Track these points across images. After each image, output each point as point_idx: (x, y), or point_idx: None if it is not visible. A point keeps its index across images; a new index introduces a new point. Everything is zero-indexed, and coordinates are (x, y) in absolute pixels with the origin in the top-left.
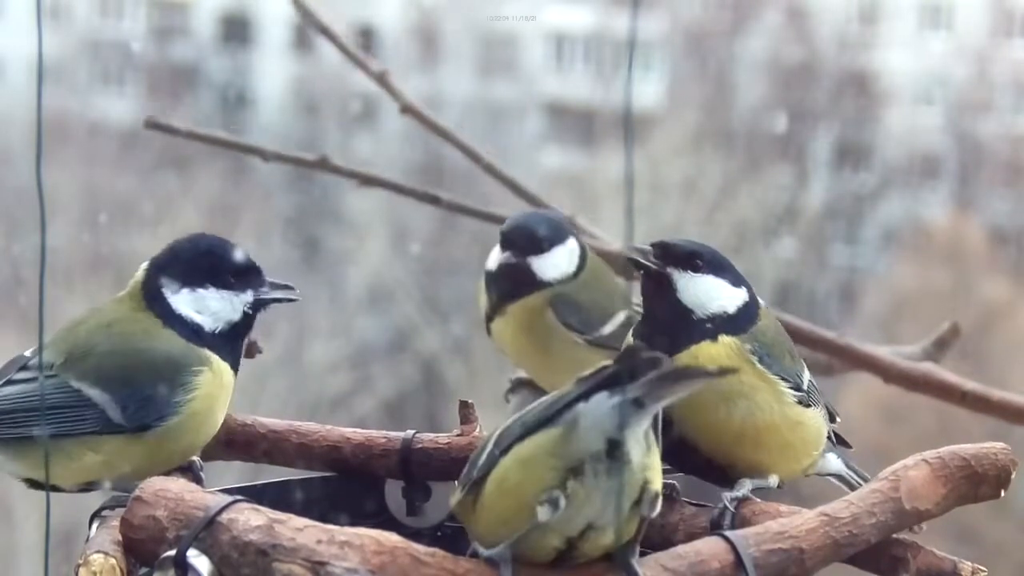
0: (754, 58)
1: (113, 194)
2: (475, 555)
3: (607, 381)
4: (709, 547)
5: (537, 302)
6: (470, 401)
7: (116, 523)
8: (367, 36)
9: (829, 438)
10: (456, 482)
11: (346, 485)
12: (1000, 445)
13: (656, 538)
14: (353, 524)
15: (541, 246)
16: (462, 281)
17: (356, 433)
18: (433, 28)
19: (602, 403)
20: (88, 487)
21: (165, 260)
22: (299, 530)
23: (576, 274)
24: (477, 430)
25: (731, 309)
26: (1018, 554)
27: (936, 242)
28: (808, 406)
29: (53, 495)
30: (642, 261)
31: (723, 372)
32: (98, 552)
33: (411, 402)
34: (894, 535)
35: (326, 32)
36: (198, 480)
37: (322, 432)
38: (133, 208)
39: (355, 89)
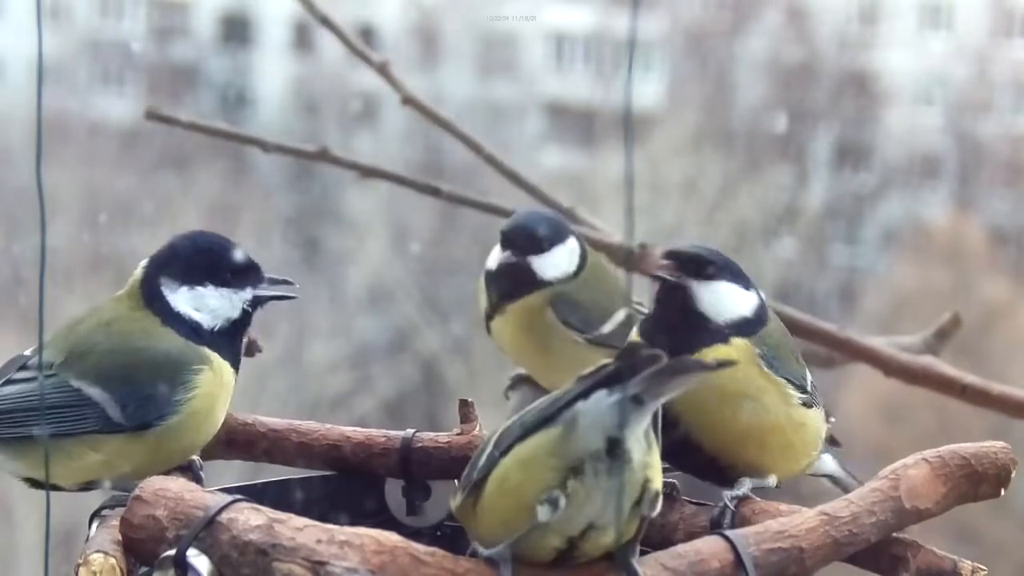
0: (754, 58)
1: (113, 194)
2: (475, 555)
3: (606, 379)
4: (709, 546)
5: (537, 301)
6: (470, 400)
7: (116, 523)
8: (367, 36)
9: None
10: (456, 482)
11: (346, 484)
12: (1000, 444)
13: (656, 537)
14: (353, 523)
15: (541, 245)
16: (462, 281)
17: (356, 432)
18: (433, 28)
19: (601, 401)
20: (88, 486)
21: (164, 258)
22: (299, 530)
23: (576, 273)
24: (477, 429)
25: (746, 313)
26: (1018, 553)
27: (936, 242)
28: (810, 407)
29: (53, 495)
30: (665, 276)
31: (720, 365)
32: (98, 552)
33: (411, 402)
34: (894, 534)
35: (327, 23)
36: (198, 479)
37: (322, 431)
38: (133, 208)
39: (355, 88)
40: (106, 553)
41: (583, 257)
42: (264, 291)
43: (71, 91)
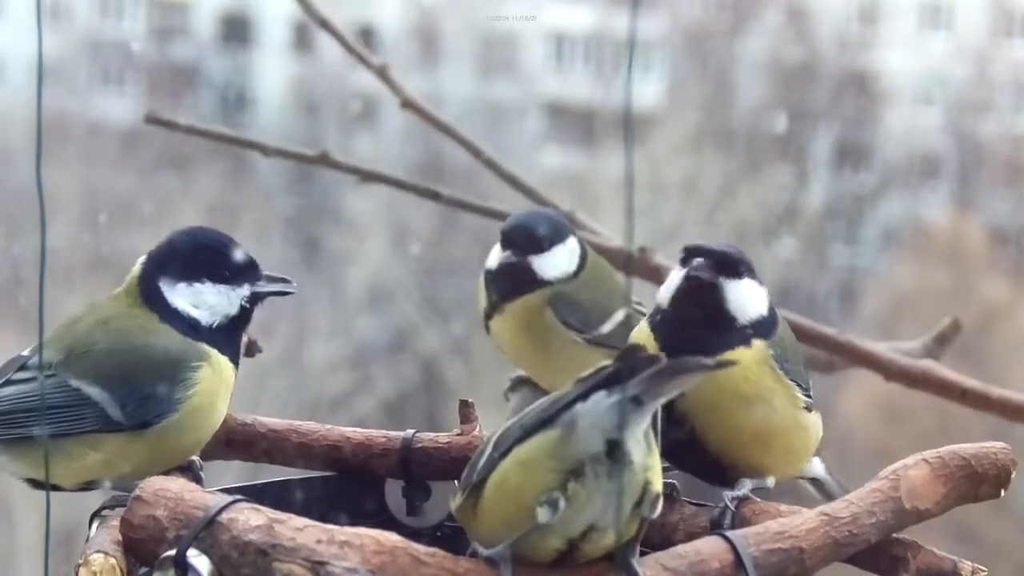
0: (754, 58)
1: (113, 194)
2: (475, 555)
3: (605, 380)
4: (709, 547)
5: (536, 301)
6: (470, 400)
7: (116, 523)
8: (367, 36)
9: None
10: (456, 482)
11: (346, 485)
12: (1000, 445)
13: (656, 537)
14: (353, 524)
15: (541, 245)
16: (462, 281)
17: (356, 432)
18: (433, 28)
19: (600, 402)
20: (88, 486)
21: (162, 255)
22: (299, 530)
23: (576, 273)
24: (477, 430)
25: (763, 312)
26: (1018, 554)
27: (936, 242)
28: (810, 411)
29: (53, 495)
30: (701, 276)
31: (720, 365)
32: (98, 552)
33: (411, 402)
34: (894, 535)
35: (327, 26)
36: (198, 480)
37: (322, 432)
38: (133, 208)
39: (355, 89)
40: (106, 553)
41: (583, 257)
42: (262, 288)
43: (71, 91)
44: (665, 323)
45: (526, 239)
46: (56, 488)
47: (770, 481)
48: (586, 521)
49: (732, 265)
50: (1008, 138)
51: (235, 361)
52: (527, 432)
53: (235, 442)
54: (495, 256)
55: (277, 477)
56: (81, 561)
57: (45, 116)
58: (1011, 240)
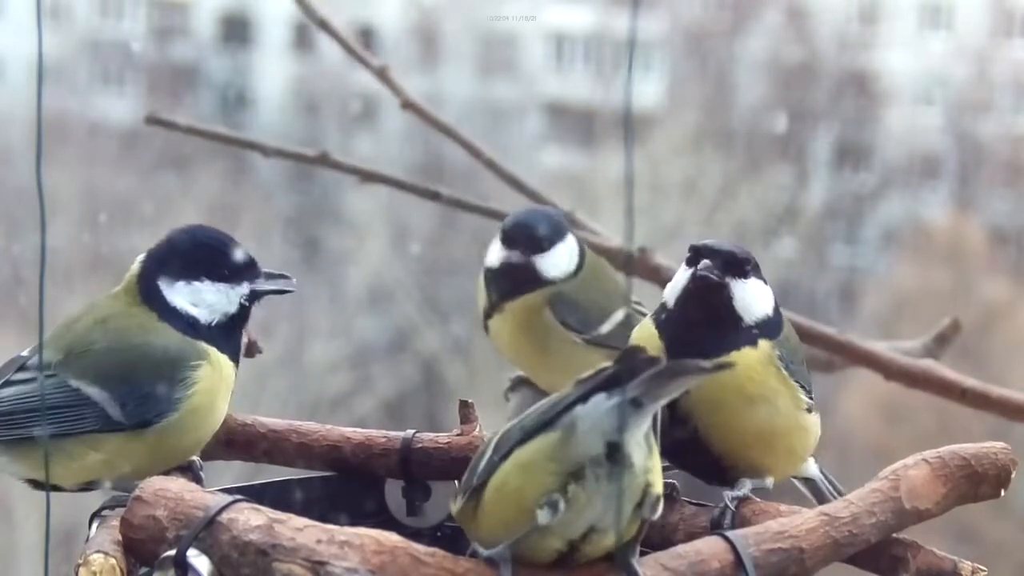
0: (754, 58)
1: (113, 194)
2: (475, 555)
3: (605, 383)
4: (709, 547)
5: (536, 301)
6: (470, 401)
7: (116, 523)
8: (367, 36)
9: None
10: (456, 483)
11: (346, 485)
12: (1000, 445)
13: (656, 537)
14: (353, 524)
15: (544, 244)
16: (462, 281)
17: (356, 433)
18: (433, 28)
19: (600, 404)
20: (89, 486)
21: (161, 253)
22: (299, 530)
23: (576, 272)
24: (477, 430)
25: (769, 311)
26: (1018, 554)
27: (936, 242)
28: (811, 412)
29: (53, 495)
30: (711, 276)
31: (718, 368)
32: (98, 552)
33: (411, 402)
34: (894, 535)
35: (326, 27)
36: (198, 480)
37: (322, 432)
38: (133, 208)
39: (355, 89)
40: (106, 553)
41: (581, 256)
42: (261, 286)
43: (71, 91)
44: (671, 322)
45: (529, 238)
46: (56, 488)
47: (769, 481)
48: (586, 523)
49: (739, 265)
50: (1008, 138)
51: (235, 359)
52: (527, 434)
53: (235, 442)
54: (496, 254)
55: (277, 477)
56: (81, 561)
57: (45, 116)
58: (1011, 240)
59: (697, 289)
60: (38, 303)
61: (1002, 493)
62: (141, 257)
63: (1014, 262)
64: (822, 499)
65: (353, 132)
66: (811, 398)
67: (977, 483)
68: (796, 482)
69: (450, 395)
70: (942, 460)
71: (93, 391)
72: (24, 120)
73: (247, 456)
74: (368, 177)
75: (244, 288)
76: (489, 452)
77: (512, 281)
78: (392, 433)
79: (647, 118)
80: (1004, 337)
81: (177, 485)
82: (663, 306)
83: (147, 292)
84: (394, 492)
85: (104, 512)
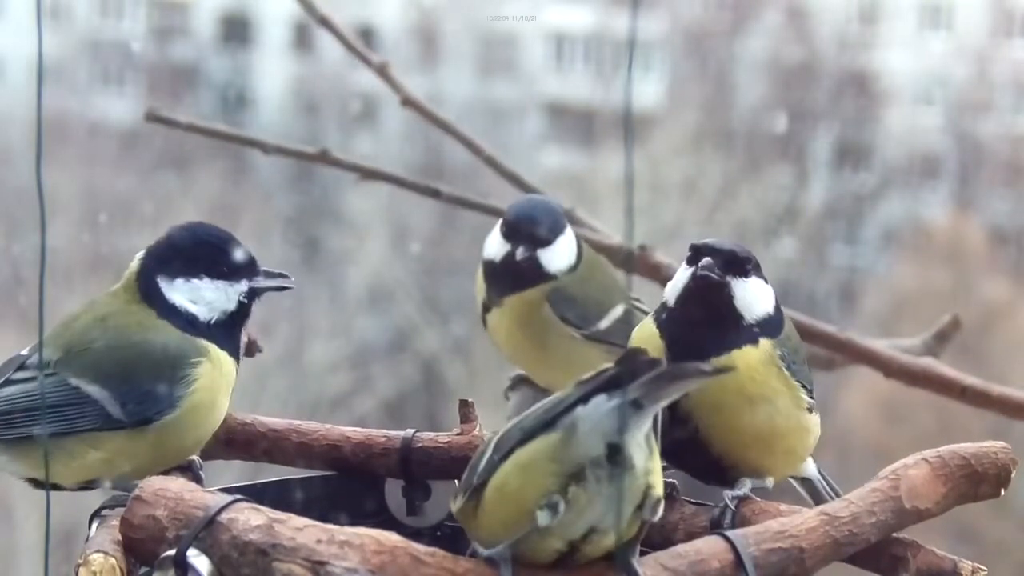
0: (754, 58)
1: (113, 194)
2: (475, 555)
3: (606, 384)
4: (709, 546)
5: (535, 296)
6: (470, 400)
7: (116, 523)
8: (367, 36)
9: None
10: (456, 482)
11: (346, 484)
12: (1000, 444)
13: (656, 537)
14: (353, 523)
15: (547, 238)
16: (462, 281)
17: (356, 432)
18: (433, 28)
19: (600, 405)
20: (89, 485)
21: (159, 250)
22: (299, 530)
23: (575, 267)
24: (477, 429)
25: (770, 310)
26: (1018, 553)
27: (936, 242)
28: (812, 412)
29: (53, 495)
30: (711, 275)
31: (719, 371)
32: (98, 552)
33: (411, 402)
34: (894, 534)
35: (327, 24)
36: (198, 479)
37: (322, 431)
38: (133, 208)
39: (355, 89)
40: (106, 553)
41: (580, 250)
42: (260, 283)
43: (71, 91)
44: (671, 321)
45: (533, 232)
46: (56, 487)
47: (769, 482)
48: (587, 524)
49: (740, 264)
50: (1008, 138)
51: (235, 356)
52: (527, 435)
53: (235, 442)
54: (497, 247)
55: (277, 477)
56: (81, 561)
57: (45, 116)
58: (1011, 240)
59: (698, 288)
60: (38, 303)
61: (1002, 493)
62: (140, 254)
63: (1014, 262)
64: (819, 499)
65: (353, 132)
66: (812, 398)
67: (977, 483)
68: (793, 482)
69: (450, 395)
70: (942, 460)
71: (93, 389)
72: (24, 120)
73: (247, 456)
74: (368, 175)
75: (243, 286)
76: (489, 451)
77: (514, 275)
78: (392, 433)
79: (647, 118)
80: (1004, 336)
81: (177, 485)
82: (664, 305)
83: (146, 289)
84: (394, 492)
85: (104, 512)
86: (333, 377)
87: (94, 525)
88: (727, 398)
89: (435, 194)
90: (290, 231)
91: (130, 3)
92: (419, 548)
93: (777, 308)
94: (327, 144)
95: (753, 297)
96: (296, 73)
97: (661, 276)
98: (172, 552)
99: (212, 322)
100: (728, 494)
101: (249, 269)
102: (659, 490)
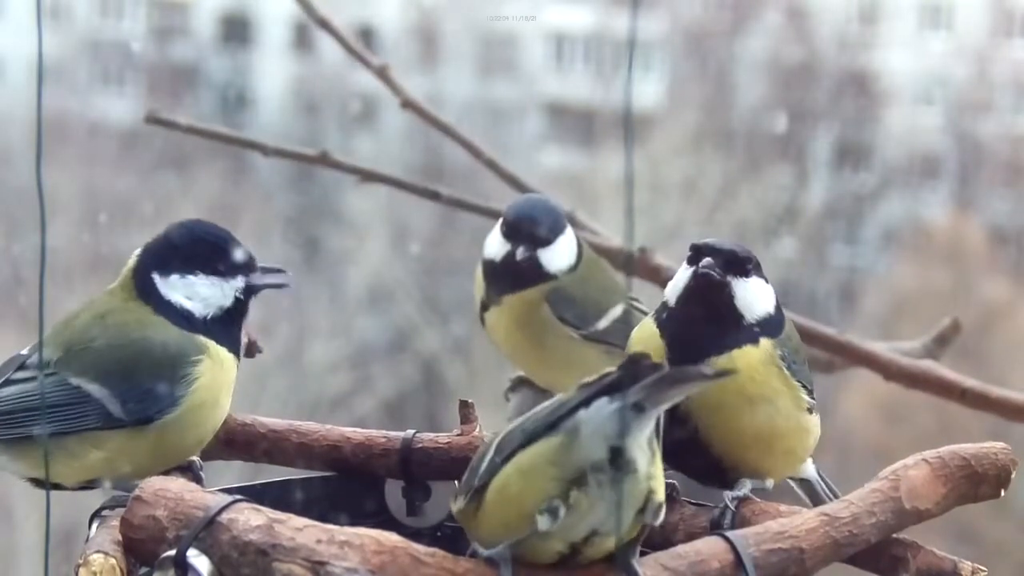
0: (754, 58)
1: (113, 194)
2: (475, 555)
3: (608, 388)
4: (709, 547)
5: (534, 296)
6: (470, 401)
7: (116, 523)
8: (367, 36)
9: None
10: (456, 483)
11: (346, 485)
12: (1000, 445)
13: (656, 537)
14: (353, 524)
15: (548, 238)
16: (462, 281)
17: (356, 433)
18: (433, 28)
19: (602, 408)
20: (90, 485)
21: (155, 247)
22: (299, 530)
23: (575, 266)
24: (477, 430)
25: (771, 310)
26: (1018, 554)
27: (936, 242)
28: (812, 412)
29: (53, 495)
30: (712, 275)
31: (720, 374)
32: (98, 552)
33: (411, 402)
34: (894, 535)
35: (327, 26)
36: (198, 480)
37: (322, 432)
38: (133, 208)
39: (355, 89)
40: (106, 553)
41: (579, 250)
42: (257, 279)
43: (71, 91)
44: (672, 321)
45: (533, 232)
46: (57, 487)
47: (769, 483)
48: (588, 527)
49: (740, 263)
50: (1008, 138)
51: (236, 353)
52: (529, 438)
53: (235, 442)
54: (497, 247)
55: (277, 477)
56: (81, 561)
57: (45, 116)
58: (1011, 240)
59: (699, 287)
60: (38, 303)
61: (1002, 493)
62: (137, 251)
63: (1014, 262)
64: (817, 501)
65: (353, 132)
66: (812, 398)
67: (977, 483)
68: (792, 483)
69: (450, 395)
70: (942, 460)
71: (93, 388)
72: (24, 120)
73: (247, 456)
74: (368, 176)
75: (239, 282)
76: (491, 452)
77: (514, 275)
78: (392, 433)
79: (647, 118)
80: (1004, 337)
81: (177, 485)
82: (664, 305)
83: (142, 286)
84: (394, 492)
85: (104, 512)
86: (333, 377)
87: (94, 525)
88: (727, 398)
89: (435, 196)
90: (290, 231)
91: (130, 3)
92: (419, 548)
93: (778, 308)
94: (327, 144)
95: (754, 297)
96: (296, 73)
97: (661, 278)
98: (172, 552)
99: (208, 318)
100: (728, 495)
101: (246, 265)
102: (661, 495)
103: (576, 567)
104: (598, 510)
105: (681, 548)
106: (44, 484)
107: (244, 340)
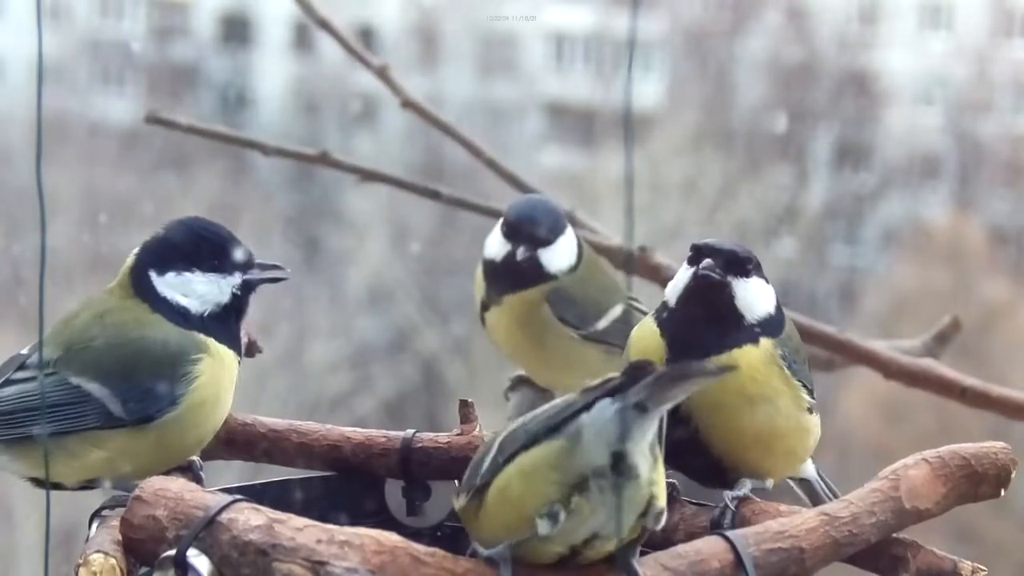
0: (754, 58)
1: (113, 194)
2: (475, 555)
3: (611, 390)
4: (709, 546)
5: (535, 296)
6: (470, 400)
7: (116, 523)
8: (367, 36)
9: None
10: (456, 482)
11: (346, 485)
12: (1000, 444)
13: (656, 537)
14: (353, 524)
15: (548, 238)
16: (462, 281)
17: (356, 432)
18: (433, 28)
19: (605, 409)
20: (90, 484)
21: (152, 245)
22: (299, 530)
23: (575, 266)
24: (477, 429)
25: (771, 310)
26: (1018, 554)
27: (936, 242)
28: (812, 412)
29: (53, 495)
30: (713, 275)
31: (722, 371)
32: (98, 552)
33: (411, 402)
34: (894, 534)
35: (327, 26)
36: (198, 480)
37: (322, 431)
38: (133, 208)
39: (355, 89)
40: (106, 553)
41: (580, 250)
42: (254, 276)
43: (71, 91)
44: (672, 320)
45: (533, 232)
46: (57, 487)
47: (769, 482)
48: (589, 531)
49: (741, 264)
50: (1008, 138)
51: (236, 351)
52: (532, 439)
53: (235, 442)
54: (498, 247)
55: (277, 477)
56: (81, 561)
57: (45, 116)
58: (1011, 240)
59: (699, 287)
60: (38, 303)
61: (1002, 493)
62: (135, 250)
63: (1014, 262)
64: (817, 501)
65: (353, 132)
66: (813, 398)
67: (977, 483)
68: (792, 483)
69: (450, 395)
70: (942, 460)
71: (93, 387)
72: (24, 120)
73: (247, 456)
74: (368, 176)
75: (236, 278)
76: (493, 451)
77: (514, 275)
78: (392, 433)
79: (647, 118)
80: (1004, 337)
81: (177, 485)
82: (664, 304)
83: (139, 284)
84: (394, 492)
85: (104, 512)
86: (333, 377)
87: (94, 525)
88: (728, 398)
89: (435, 196)
90: (290, 231)
91: (130, 3)
92: (419, 548)
93: (778, 308)
94: (327, 144)
95: (754, 297)
96: (296, 73)
97: (661, 277)
98: (172, 552)
99: (205, 315)
100: (728, 494)
101: (243, 262)
102: (663, 501)
103: (576, 567)
104: (599, 515)
105: (681, 548)
106: (44, 484)
107: (244, 339)
